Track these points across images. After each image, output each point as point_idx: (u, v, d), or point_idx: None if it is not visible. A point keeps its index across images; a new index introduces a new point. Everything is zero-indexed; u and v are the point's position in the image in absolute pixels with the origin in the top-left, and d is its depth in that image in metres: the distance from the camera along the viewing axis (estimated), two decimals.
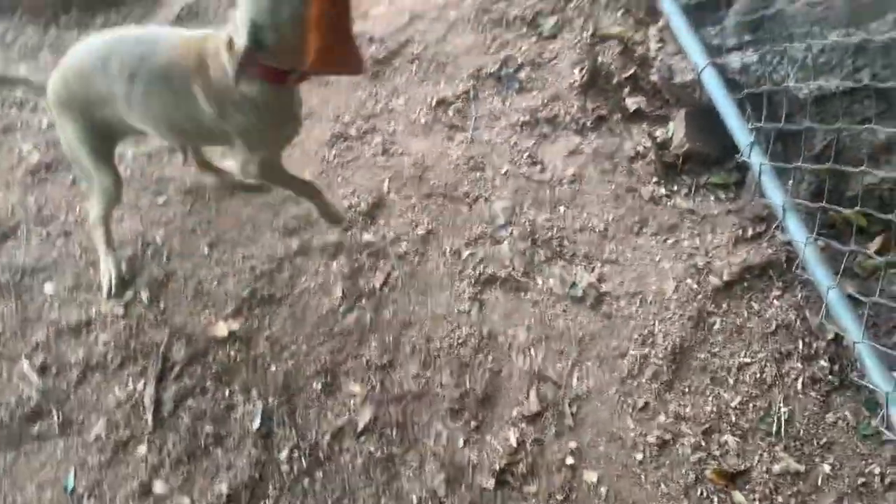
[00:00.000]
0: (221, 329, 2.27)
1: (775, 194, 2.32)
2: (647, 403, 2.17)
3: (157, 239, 2.44)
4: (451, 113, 2.76)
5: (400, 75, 2.86)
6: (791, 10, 2.62)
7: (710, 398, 2.20)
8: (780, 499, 2.07)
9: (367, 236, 2.46)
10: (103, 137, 2.14)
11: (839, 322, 2.16)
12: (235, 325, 2.28)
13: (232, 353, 2.23)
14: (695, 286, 2.38)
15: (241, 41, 1.72)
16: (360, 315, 2.31)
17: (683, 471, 2.06)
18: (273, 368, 2.22)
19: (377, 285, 2.36)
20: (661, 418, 2.14)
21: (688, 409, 2.17)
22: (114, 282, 2.30)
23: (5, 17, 3.05)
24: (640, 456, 2.08)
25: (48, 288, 2.33)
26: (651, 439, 2.10)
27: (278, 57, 1.78)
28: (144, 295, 2.31)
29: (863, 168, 2.21)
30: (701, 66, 2.52)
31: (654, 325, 2.30)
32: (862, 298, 2.17)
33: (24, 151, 2.63)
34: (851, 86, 2.42)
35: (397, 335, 2.27)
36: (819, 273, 2.18)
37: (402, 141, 2.68)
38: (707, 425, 2.15)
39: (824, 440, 2.14)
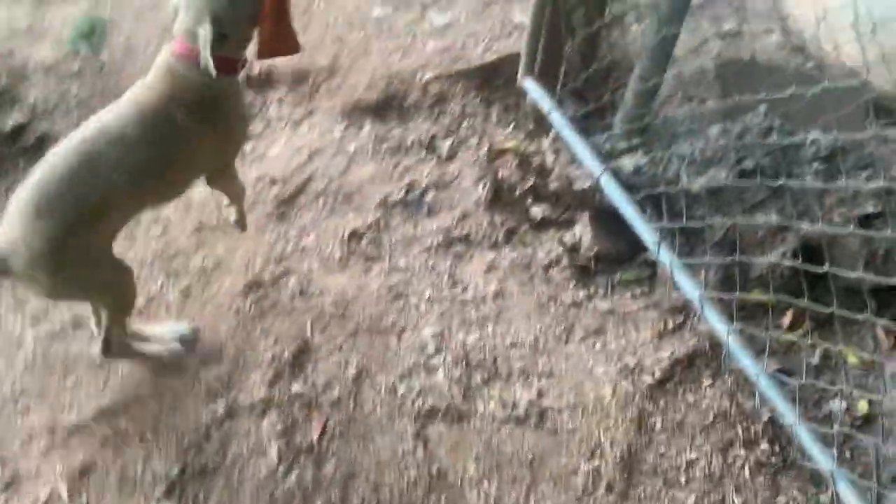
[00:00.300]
0: None
1: (690, 289, 2.41)
2: None
3: (68, 427, 2.26)
4: (364, 244, 2.75)
5: (307, 212, 2.83)
6: (671, 112, 2.81)
7: (667, 501, 2.20)
8: None
9: (295, 387, 2.37)
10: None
11: (773, 405, 2.23)
12: None
13: None
14: (630, 388, 2.41)
15: (207, 32, 1.87)
16: (301, 474, 2.19)
17: None
18: None
19: (314, 439, 2.26)
20: None
21: None
22: None
23: None
24: None
25: None
26: None
27: (233, 48, 2.00)
28: (63, 492, 2.12)
29: (768, 260, 2.34)
30: (597, 174, 2.64)
31: (599, 434, 2.30)
32: (789, 381, 2.26)
33: None
34: (738, 174, 2.60)
35: (343, 490, 2.16)
36: (746, 361, 2.25)
37: (318, 280, 2.64)
38: None
39: None
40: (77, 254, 1.93)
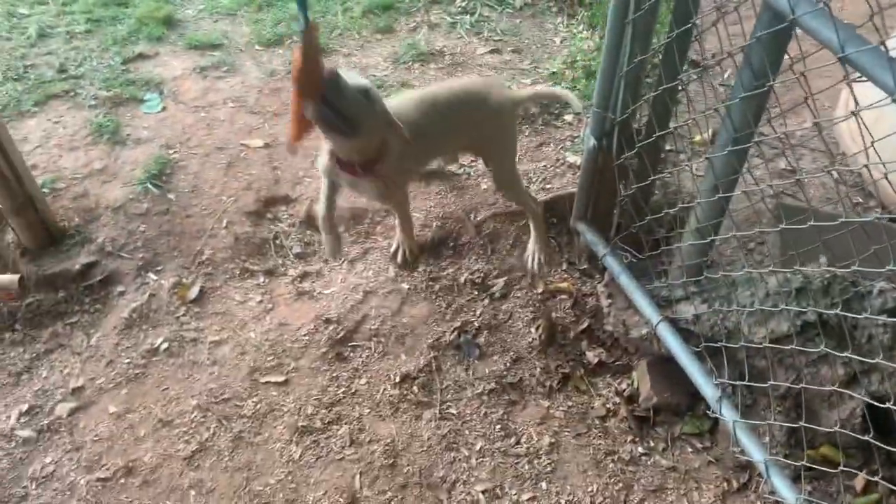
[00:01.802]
0: None
1: (754, 450, 2.30)
2: None
3: None
4: (415, 388, 2.72)
5: (360, 353, 2.84)
6: (728, 254, 2.77)
7: None
8: None
9: None
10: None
11: None
12: None
13: None
14: None
15: None
16: None
17: None
18: None
19: None
20: None
21: None
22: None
23: None
24: None
25: None
26: None
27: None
28: None
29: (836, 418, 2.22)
30: (655, 322, 2.59)
31: None
32: None
33: None
34: (800, 326, 2.51)
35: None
36: None
37: (369, 427, 2.61)
38: None
39: None
40: None
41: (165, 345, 2.82)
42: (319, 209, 2.85)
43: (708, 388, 2.45)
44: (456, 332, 2.88)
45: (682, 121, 2.74)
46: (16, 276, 2.89)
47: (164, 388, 2.70)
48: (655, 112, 2.51)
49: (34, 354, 2.84)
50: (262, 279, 3.06)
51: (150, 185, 3.29)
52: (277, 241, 3.19)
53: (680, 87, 2.42)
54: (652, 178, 2.58)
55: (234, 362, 2.78)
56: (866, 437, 2.05)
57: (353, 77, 2.31)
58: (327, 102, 2.18)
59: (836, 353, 2.27)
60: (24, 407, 2.66)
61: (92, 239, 3.10)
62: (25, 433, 2.59)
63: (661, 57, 2.45)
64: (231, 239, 3.15)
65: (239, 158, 3.48)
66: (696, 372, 2.49)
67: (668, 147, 3.20)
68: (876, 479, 2.05)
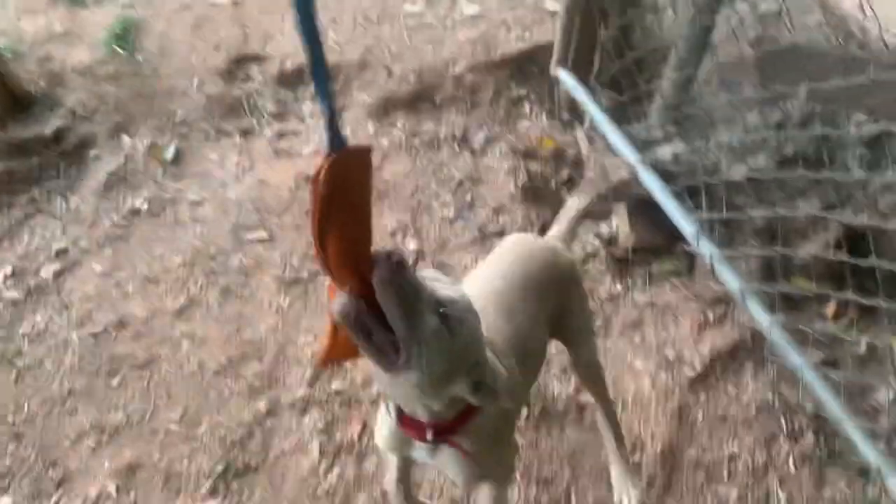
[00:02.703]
0: None
1: (731, 280, 2.37)
2: None
3: (116, 425, 2.31)
4: (399, 241, 2.75)
5: None
6: (708, 99, 2.75)
7: (709, 496, 2.18)
8: None
9: (335, 384, 2.39)
10: None
11: (817, 399, 2.19)
12: None
13: None
14: (670, 381, 2.39)
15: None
16: (342, 471, 2.21)
17: None
18: None
19: (354, 436, 2.28)
20: None
21: None
22: None
23: None
24: None
25: (5, 501, 2.17)
26: None
27: None
28: (112, 489, 2.17)
29: (809, 252, 2.28)
30: (634, 164, 2.60)
31: (639, 428, 2.28)
32: (835, 376, 2.21)
33: None
34: (779, 161, 2.54)
35: (384, 487, 2.18)
36: (789, 353, 2.21)
37: None
38: None
39: None
40: None
41: (146, 206, 2.81)
42: (390, 490, 1.88)
43: (687, 225, 2.49)
44: (453, 207, 2.84)
45: None
46: None
47: (148, 248, 2.71)
48: None
49: (13, 221, 2.83)
50: (238, 139, 3.02)
51: (116, 47, 3.17)
52: (251, 101, 3.13)
53: None
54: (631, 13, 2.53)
55: (216, 221, 2.78)
56: (842, 258, 2.11)
57: (435, 278, 1.26)
58: (375, 305, 1.14)
59: (812, 175, 2.28)
60: (9, 270, 2.67)
61: (61, 103, 3.03)
62: (13, 294, 2.61)
63: None
64: (204, 99, 3.09)
65: (206, 17, 3.35)
66: (675, 210, 2.52)
67: None
68: (848, 296, 2.13)
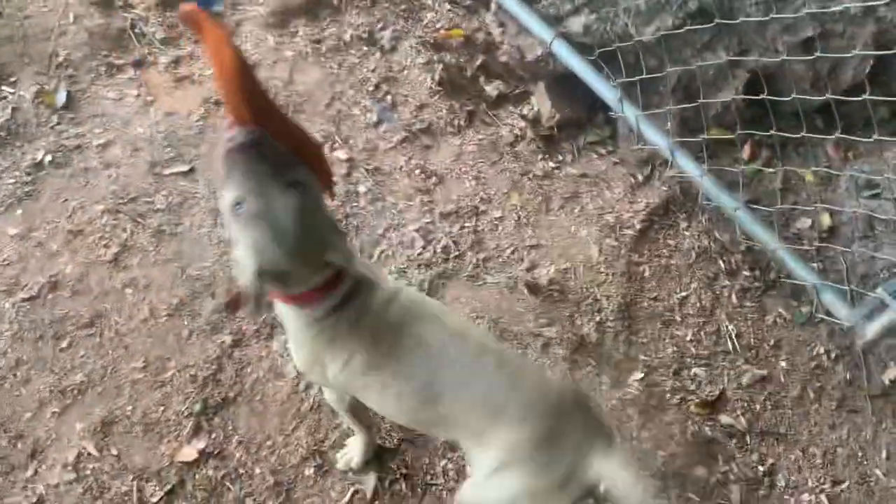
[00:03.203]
0: (188, 453, 2.12)
1: (658, 139, 2.48)
2: (618, 362, 2.28)
3: (77, 386, 2.22)
4: (327, 150, 2.69)
5: None
6: None
7: (668, 340, 2.35)
8: (757, 406, 2.26)
9: None
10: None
11: (753, 236, 2.38)
12: (201, 444, 2.14)
13: (209, 472, 2.10)
14: (615, 243, 2.51)
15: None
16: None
17: (674, 415, 2.20)
18: (258, 471, 2.11)
19: None
20: (637, 374, 2.27)
21: (653, 357, 2.31)
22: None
23: None
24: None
25: None
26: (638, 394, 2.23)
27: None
28: (91, 448, 2.11)
29: (724, 98, 2.41)
30: (549, 40, 2.62)
31: (595, 291, 2.41)
32: (767, 209, 2.40)
33: None
34: (684, 17, 2.62)
35: None
36: (723, 198, 2.37)
37: None
38: (674, 366, 2.30)
39: (772, 341, 2.36)
40: None
41: (49, 157, 2.60)
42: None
43: (607, 92, 2.57)
44: (372, 109, 2.78)
45: None
46: None
47: (63, 201, 2.53)
48: None
49: None
50: (132, 72, 2.82)
51: None
52: (136, 30, 2.90)
53: None
54: None
55: (129, 161, 2.62)
56: (760, 97, 2.24)
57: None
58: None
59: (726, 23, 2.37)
60: None
61: None
62: None
63: None
64: (84, 35, 2.84)
65: None
66: (595, 79, 2.59)
67: None
68: (768, 135, 2.28)
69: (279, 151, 1.37)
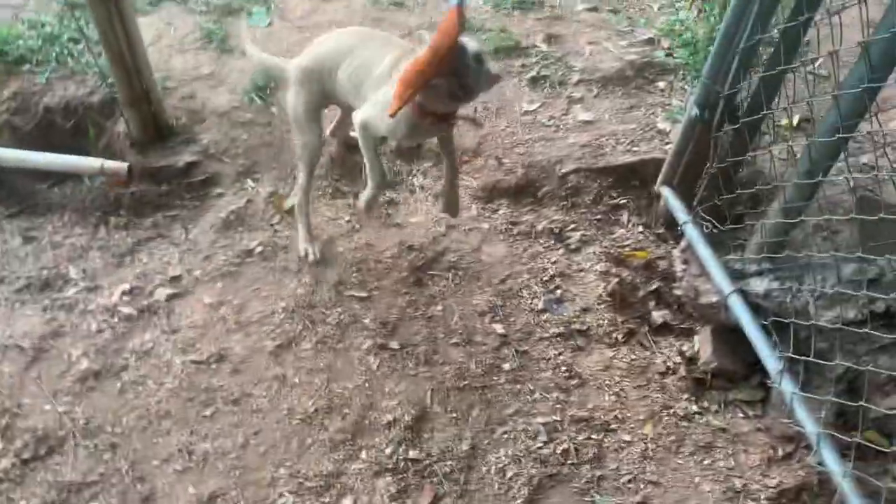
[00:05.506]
0: None
1: (808, 423, 2.43)
2: None
3: (203, 454, 2.44)
4: (487, 322, 2.88)
5: (438, 283, 2.99)
6: (808, 241, 2.86)
7: None
8: None
9: (412, 453, 2.50)
10: (318, 104, 2.80)
11: None
12: None
13: None
14: None
15: None
16: None
17: None
18: None
19: None
20: None
21: None
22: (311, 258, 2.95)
23: (53, 217, 3.17)
24: None
25: None
26: None
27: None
28: None
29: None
30: (727, 292, 2.70)
31: None
32: None
33: (73, 357, 2.66)
34: (868, 315, 2.61)
35: None
36: None
37: (442, 350, 2.78)
38: None
39: None
40: None
41: (259, 248, 3.00)
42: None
43: (771, 361, 2.57)
44: (542, 296, 2.98)
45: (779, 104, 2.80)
46: (125, 164, 3.07)
47: (255, 288, 2.89)
48: (765, 91, 2.58)
49: (136, 240, 3.05)
50: (351, 200, 3.21)
51: (254, 97, 3.43)
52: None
53: (803, 69, 2.48)
54: (749, 154, 2.67)
55: (321, 273, 2.95)
56: None
57: (469, 44, 2.24)
58: (455, 74, 2.21)
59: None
60: (127, 287, 2.87)
61: (196, 140, 3.27)
62: (127, 310, 2.80)
63: (779, 37, 2.50)
64: (326, 158, 3.30)
65: None
66: (762, 344, 2.60)
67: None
68: None
69: None
